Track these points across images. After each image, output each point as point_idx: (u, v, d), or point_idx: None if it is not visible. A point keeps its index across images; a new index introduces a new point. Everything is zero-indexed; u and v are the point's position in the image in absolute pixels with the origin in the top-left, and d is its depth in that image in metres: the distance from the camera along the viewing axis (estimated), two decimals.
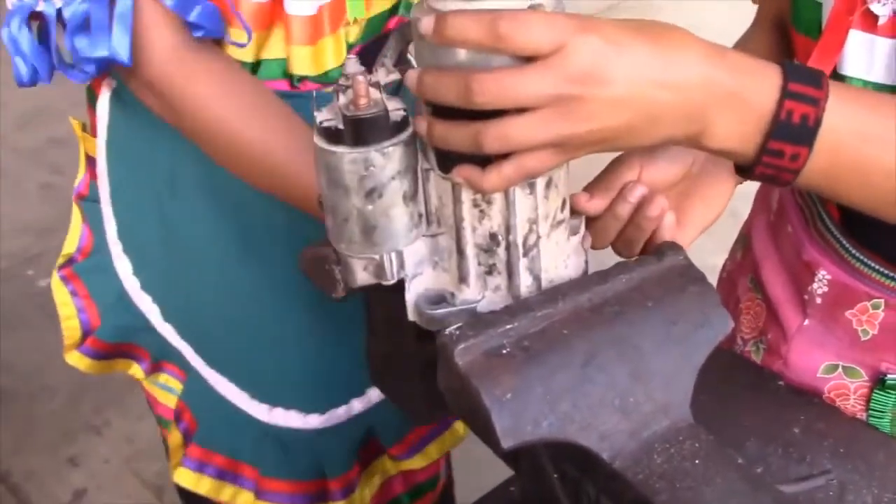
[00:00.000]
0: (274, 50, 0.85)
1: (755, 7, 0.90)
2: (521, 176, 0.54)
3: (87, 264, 1.02)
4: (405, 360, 0.73)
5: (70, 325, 1.02)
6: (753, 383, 0.91)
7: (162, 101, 0.82)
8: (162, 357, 1.03)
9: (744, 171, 0.57)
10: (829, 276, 0.82)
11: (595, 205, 0.65)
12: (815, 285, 0.84)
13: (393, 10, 0.91)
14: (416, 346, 0.66)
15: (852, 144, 0.55)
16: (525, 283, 0.60)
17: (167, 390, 1.05)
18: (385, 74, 0.58)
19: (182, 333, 1.00)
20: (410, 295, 0.62)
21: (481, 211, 0.58)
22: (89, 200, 1.02)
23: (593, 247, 0.67)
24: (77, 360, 1.04)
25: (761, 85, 0.54)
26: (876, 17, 0.66)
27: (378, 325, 0.76)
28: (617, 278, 0.60)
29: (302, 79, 0.87)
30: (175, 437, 1.06)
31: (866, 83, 0.69)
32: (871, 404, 0.84)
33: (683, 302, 0.61)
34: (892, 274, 0.78)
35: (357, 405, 1.03)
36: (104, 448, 1.99)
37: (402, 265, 0.61)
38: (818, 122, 0.54)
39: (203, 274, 0.97)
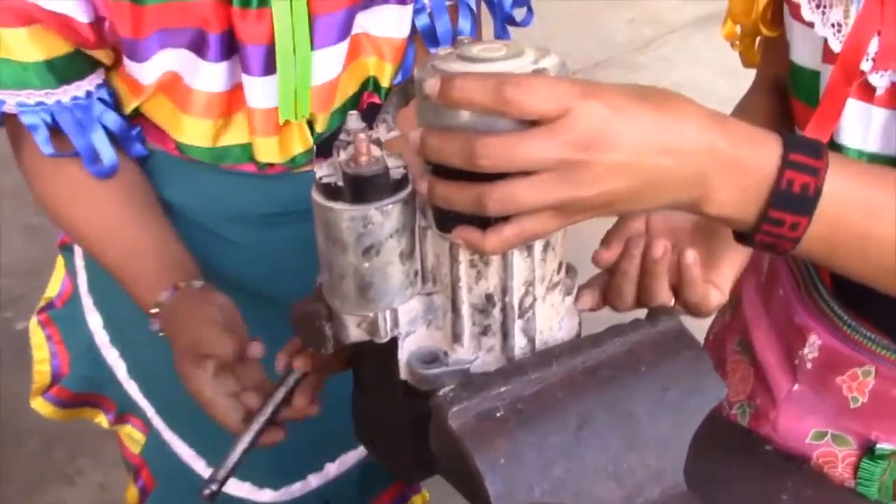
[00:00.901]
0: (236, 136, 0.85)
1: (739, 67, 0.91)
2: (521, 239, 0.54)
3: (63, 312, 1.03)
4: (393, 416, 0.72)
5: (41, 370, 1.03)
6: (741, 447, 0.90)
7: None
8: (126, 410, 1.03)
9: (743, 238, 0.58)
10: (820, 342, 0.82)
11: (612, 254, 0.66)
12: (805, 350, 0.84)
13: (363, 88, 0.90)
14: (405, 403, 0.65)
15: (852, 216, 0.56)
16: (519, 345, 0.60)
17: (132, 440, 1.05)
18: (386, 131, 0.58)
19: (145, 392, 1.00)
20: (403, 353, 0.61)
21: (478, 272, 0.57)
22: (69, 249, 1.02)
23: (616, 309, 0.68)
24: (41, 406, 1.04)
25: (761, 154, 0.54)
26: (873, 88, 0.67)
27: (366, 380, 0.76)
28: (611, 341, 0.60)
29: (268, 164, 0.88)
30: (132, 493, 1.05)
31: (862, 153, 0.70)
32: (860, 472, 0.83)
33: (677, 367, 0.61)
34: (883, 342, 0.78)
35: (314, 481, 1.03)
36: (76, 497, 1.94)
37: (396, 323, 0.60)
38: (818, 192, 0.54)
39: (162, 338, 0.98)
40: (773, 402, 0.89)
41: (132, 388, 1.00)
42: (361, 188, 0.55)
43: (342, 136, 0.57)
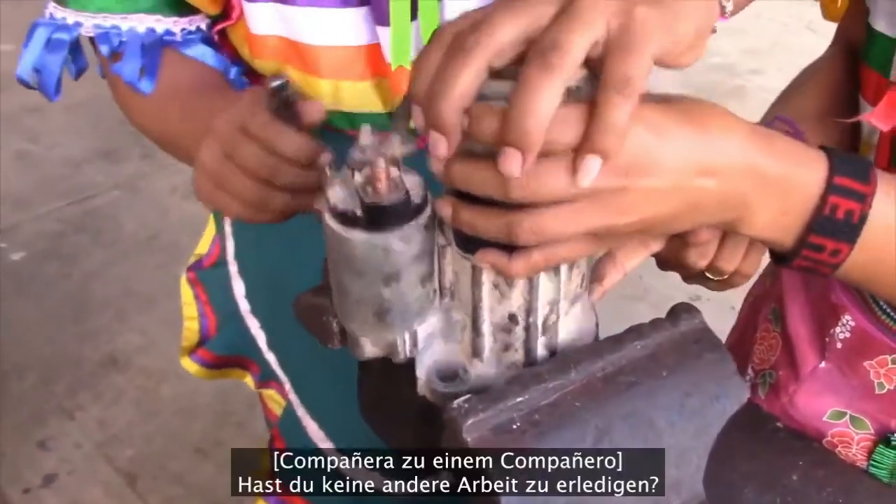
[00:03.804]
0: None
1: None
2: (550, 264, 0.52)
3: (210, 273, 1.01)
4: (397, 404, 0.70)
5: (190, 328, 1.02)
6: (750, 424, 0.89)
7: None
8: (268, 377, 1.02)
9: (781, 259, 0.55)
10: (853, 323, 0.80)
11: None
12: (838, 329, 0.82)
13: None
14: (410, 394, 0.64)
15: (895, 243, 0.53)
16: (541, 359, 0.58)
17: (275, 402, 1.05)
18: (400, 143, 0.54)
19: (282, 366, 0.98)
20: (421, 370, 0.59)
21: (501, 293, 0.55)
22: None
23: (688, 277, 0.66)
24: (188, 364, 1.05)
25: (806, 176, 0.51)
26: None
27: (370, 366, 0.74)
28: (631, 345, 0.58)
29: None
30: (264, 462, 1.05)
31: None
32: (874, 457, 0.83)
33: (699, 371, 0.59)
34: None
35: None
36: (76, 432, 1.93)
37: (415, 344, 0.58)
38: (863, 219, 0.51)
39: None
40: (795, 377, 0.87)
41: (272, 359, 0.99)
42: (381, 218, 0.52)
43: (356, 155, 0.53)
